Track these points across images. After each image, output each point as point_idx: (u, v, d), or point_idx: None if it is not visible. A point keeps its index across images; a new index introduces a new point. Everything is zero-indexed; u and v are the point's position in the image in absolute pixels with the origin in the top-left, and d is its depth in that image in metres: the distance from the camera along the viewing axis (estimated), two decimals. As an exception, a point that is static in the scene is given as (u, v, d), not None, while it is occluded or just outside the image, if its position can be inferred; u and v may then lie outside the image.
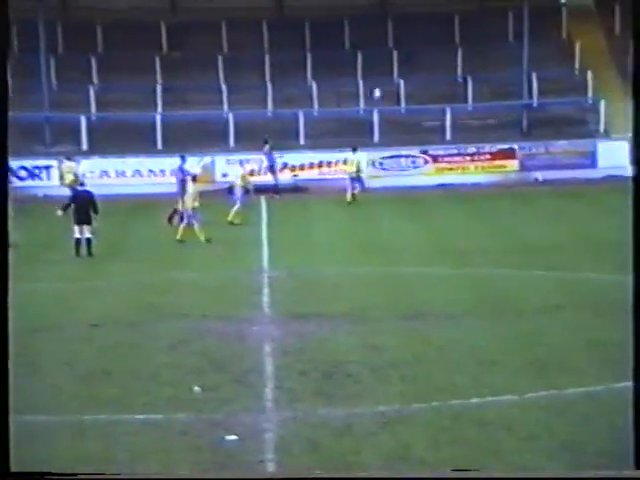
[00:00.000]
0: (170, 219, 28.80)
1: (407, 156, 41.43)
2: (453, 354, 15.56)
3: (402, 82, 44.80)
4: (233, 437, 12.26)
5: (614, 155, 39.59)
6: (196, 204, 26.48)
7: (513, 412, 12.89)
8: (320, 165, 40.53)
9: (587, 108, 44.37)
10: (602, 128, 42.29)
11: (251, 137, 40.79)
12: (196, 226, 26.30)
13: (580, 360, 14.94)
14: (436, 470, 11.01)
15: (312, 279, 21.84)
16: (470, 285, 20.66)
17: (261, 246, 26.13)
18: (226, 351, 16.16)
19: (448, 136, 42.92)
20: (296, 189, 38.24)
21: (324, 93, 44.33)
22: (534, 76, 44.02)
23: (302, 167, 40.09)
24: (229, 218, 29.38)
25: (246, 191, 30.68)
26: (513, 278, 21.19)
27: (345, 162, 37.28)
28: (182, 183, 29.10)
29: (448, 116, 42.97)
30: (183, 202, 27.26)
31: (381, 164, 41.25)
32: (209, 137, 40.80)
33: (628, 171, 40.75)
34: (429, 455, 11.57)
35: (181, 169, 31.89)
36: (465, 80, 45.09)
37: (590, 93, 44.57)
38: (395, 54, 46.06)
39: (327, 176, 38.49)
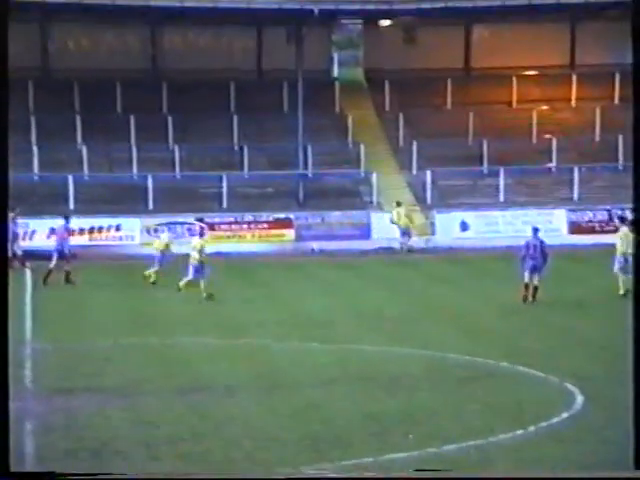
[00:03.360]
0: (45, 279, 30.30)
1: (183, 223, 41.09)
2: (230, 429, 15.21)
3: (177, 148, 44.60)
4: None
5: (387, 227, 40.63)
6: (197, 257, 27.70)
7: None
8: (91, 231, 39.59)
9: (360, 180, 45.47)
10: (375, 200, 43.37)
11: (15, 202, 39.41)
12: (202, 281, 27.51)
13: (354, 433, 14.90)
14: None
15: (80, 352, 21.00)
16: (247, 358, 20.40)
17: (24, 316, 24.96)
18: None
19: (225, 204, 42.92)
20: (63, 256, 36.93)
21: (95, 157, 43.52)
22: (309, 147, 44.79)
23: (72, 233, 38.99)
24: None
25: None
26: (290, 351, 21.10)
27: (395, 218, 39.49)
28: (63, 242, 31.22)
29: (225, 183, 43.03)
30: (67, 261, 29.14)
31: (155, 231, 40.69)
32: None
33: (399, 244, 42.06)
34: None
35: (67, 228, 32.35)
36: (241, 148, 45.41)
37: (363, 166, 45.74)
38: (170, 120, 45.85)
39: (98, 242, 37.52)
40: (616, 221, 31.27)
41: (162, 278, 30.33)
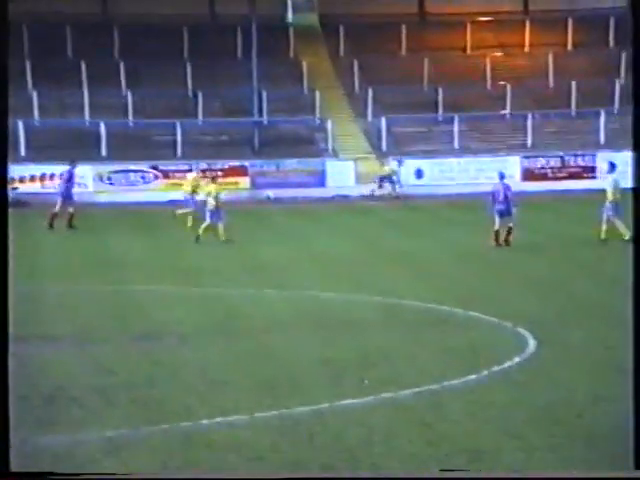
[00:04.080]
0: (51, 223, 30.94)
1: (136, 171, 40.79)
2: (185, 375, 15.21)
3: (129, 94, 44.11)
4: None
5: (342, 175, 40.63)
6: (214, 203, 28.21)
7: (242, 433, 12.69)
8: (42, 178, 39.17)
9: (315, 127, 45.34)
10: (330, 148, 43.29)
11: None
12: (220, 225, 28.05)
13: (309, 378, 14.96)
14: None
15: (33, 297, 20.84)
16: (202, 304, 20.38)
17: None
18: None
19: (179, 152, 42.61)
20: (16, 203, 36.63)
21: (46, 102, 42.94)
22: (264, 94, 44.49)
23: (22, 180, 38.57)
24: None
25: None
26: (245, 297, 21.11)
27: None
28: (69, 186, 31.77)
29: (178, 131, 42.69)
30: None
31: (109, 179, 40.39)
32: None
33: (355, 191, 42.06)
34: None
35: (71, 173, 32.57)
36: (195, 95, 45.00)
37: (318, 113, 45.56)
38: (122, 65, 45.29)
39: (50, 189, 37.11)
40: (604, 167, 31.54)
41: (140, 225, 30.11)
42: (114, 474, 9.91)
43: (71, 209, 31.74)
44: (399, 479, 9.66)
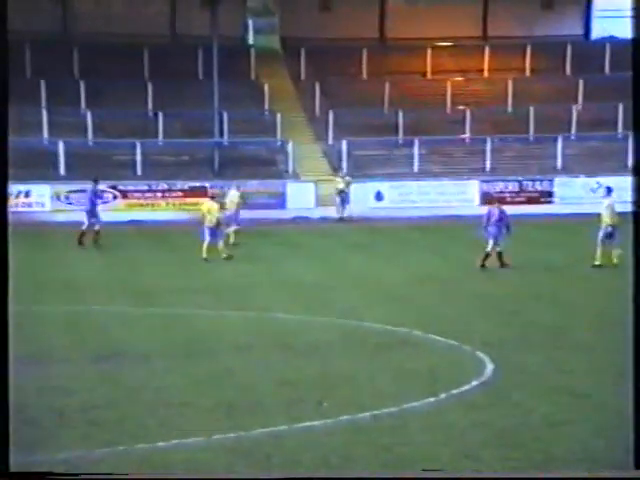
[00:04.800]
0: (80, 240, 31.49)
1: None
2: (143, 396, 15.13)
3: (89, 113, 43.95)
4: None
5: (302, 196, 40.68)
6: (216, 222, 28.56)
7: (200, 454, 12.65)
8: None
9: (276, 149, 45.42)
10: (291, 169, 43.34)
11: None
12: (220, 242, 28.41)
13: (269, 400, 14.94)
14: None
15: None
16: (162, 325, 20.30)
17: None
18: None
19: (139, 171, 42.49)
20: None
21: (6, 121, 42.66)
22: (225, 115, 44.52)
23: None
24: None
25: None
26: (204, 318, 21.04)
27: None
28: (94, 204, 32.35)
29: (139, 151, 42.58)
30: None
31: (67, 198, 40.16)
32: None
33: (315, 213, 42.17)
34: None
35: (94, 191, 33.15)
36: (156, 115, 44.93)
37: (279, 135, 45.65)
38: (82, 84, 45.13)
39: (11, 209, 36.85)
40: (601, 192, 31.78)
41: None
42: (114, 474, 9.82)
43: (97, 227, 32.00)
44: (399, 479, 9.63)
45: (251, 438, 13.15)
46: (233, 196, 32.87)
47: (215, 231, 28.50)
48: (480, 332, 19.23)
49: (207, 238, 28.49)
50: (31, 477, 7.25)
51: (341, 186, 40.37)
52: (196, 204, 40.27)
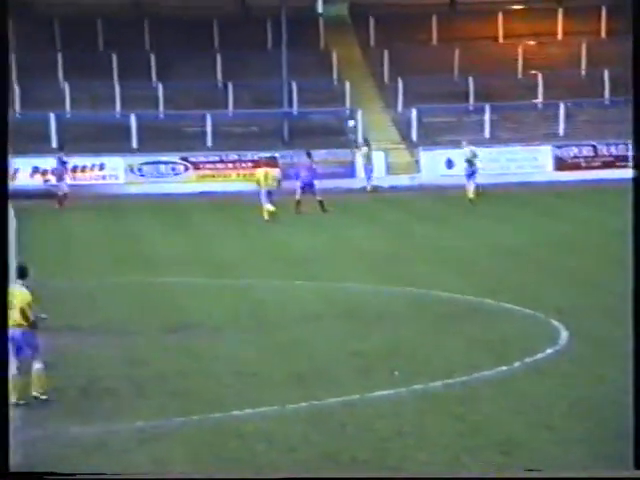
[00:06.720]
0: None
1: (167, 162, 40.86)
2: (217, 367, 15.26)
3: (160, 86, 44.18)
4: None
5: (373, 165, 40.42)
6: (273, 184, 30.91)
7: (273, 424, 12.72)
8: (74, 170, 39.29)
9: (345, 118, 45.20)
10: (362, 138, 43.07)
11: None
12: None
13: (340, 369, 14.96)
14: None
15: (66, 290, 20.94)
16: (232, 296, 20.42)
17: (9, 254, 24.83)
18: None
19: (209, 143, 42.66)
20: (47, 195, 36.80)
21: (77, 95, 43.05)
22: (294, 85, 44.44)
23: (54, 172, 38.66)
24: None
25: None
26: (275, 288, 21.12)
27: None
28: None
29: (209, 122, 42.72)
30: None
31: (140, 170, 40.51)
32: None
33: (385, 182, 41.96)
34: (187, 470, 11.20)
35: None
36: (225, 86, 44.99)
37: (348, 104, 45.44)
38: (153, 57, 45.35)
39: (82, 182, 37.22)
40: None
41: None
42: (114, 474, 9.90)
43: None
44: (400, 479, 9.64)
45: (324, 407, 13.18)
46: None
47: (271, 193, 30.55)
48: (554, 300, 19.01)
49: (265, 200, 30.37)
50: (30, 477, 7.34)
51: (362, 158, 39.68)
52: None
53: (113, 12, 46.44)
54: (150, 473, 10.86)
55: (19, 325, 13.62)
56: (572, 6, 50.64)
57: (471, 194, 34.29)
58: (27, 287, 13.79)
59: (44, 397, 13.59)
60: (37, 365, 13.61)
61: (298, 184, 33.00)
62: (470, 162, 35.37)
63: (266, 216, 30.38)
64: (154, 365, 15.37)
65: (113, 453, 11.77)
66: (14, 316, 13.54)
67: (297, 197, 32.62)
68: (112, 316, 18.60)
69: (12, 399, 12.93)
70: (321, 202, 32.39)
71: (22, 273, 13.85)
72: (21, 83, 42.61)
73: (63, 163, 35.75)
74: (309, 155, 34.73)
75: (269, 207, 30.55)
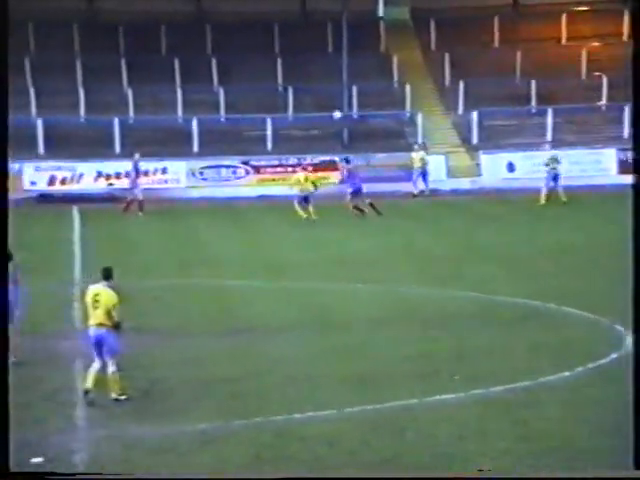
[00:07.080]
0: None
1: (228, 166, 41.09)
2: (278, 369, 15.30)
3: (222, 90, 44.44)
4: (39, 459, 11.55)
5: (432, 168, 40.27)
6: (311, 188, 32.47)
7: (334, 427, 12.72)
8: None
9: (405, 121, 45.08)
10: (420, 141, 42.95)
11: (62, 144, 39.55)
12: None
13: (401, 373, 14.92)
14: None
15: (129, 291, 21.12)
16: (294, 298, 20.47)
17: (73, 256, 25.18)
18: (36, 368, 15.35)
19: (269, 146, 42.81)
20: (111, 199, 37.18)
21: (140, 99, 43.46)
22: (354, 88, 44.43)
23: (118, 176, 39.05)
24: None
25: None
26: (337, 291, 21.11)
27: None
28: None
29: (269, 126, 42.87)
30: None
31: (201, 174, 40.77)
32: (16, 143, 39.23)
33: (446, 185, 41.77)
34: (248, 472, 11.25)
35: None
36: (286, 90, 45.11)
37: (408, 106, 45.32)
38: (214, 61, 45.65)
39: (144, 185, 37.41)
40: None
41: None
42: (114, 474, 9.94)
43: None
44: (400, 479, 9.57)
45: (385, 411, 13.15)
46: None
47: (308, 197, 31.90)
48: (618, 305, 18.73)
49: (299, 201, 31.92)
50: (30, 477, 7.39)
51: (418, 165, 39.07)
52: (327, 178, 40.40)
53: (175, 18, 46.84)
54: (150, 473, 10.90)
55: (103, 325, 13.73)
56: (638, 6, 49.97)
57: (564, 197, 34.90)
58: (112, 288, 13.91)
59: (123, 397, 13.71)
60: (112, 368, 13.71)
61: (349, 190, 33.05)
62: (551, 165, 36.31)
63: (303, 215, 31.51)
64: (216, 367, 15.46)
65: (176, 455, 11.85)
66: (99, 315, 13.74)
67: (348, 202, 32.74)
68: (174, 317, 18.73)
69: (113, 395, 13.51)
70: (372, 204, 32.32)
71: (107, 274, 14.03)
72: (86, 87, 43.12)
73: (137, 169, 35.70)
74: (347, 161, 34.82)
75: (301, 213, 31.60)
